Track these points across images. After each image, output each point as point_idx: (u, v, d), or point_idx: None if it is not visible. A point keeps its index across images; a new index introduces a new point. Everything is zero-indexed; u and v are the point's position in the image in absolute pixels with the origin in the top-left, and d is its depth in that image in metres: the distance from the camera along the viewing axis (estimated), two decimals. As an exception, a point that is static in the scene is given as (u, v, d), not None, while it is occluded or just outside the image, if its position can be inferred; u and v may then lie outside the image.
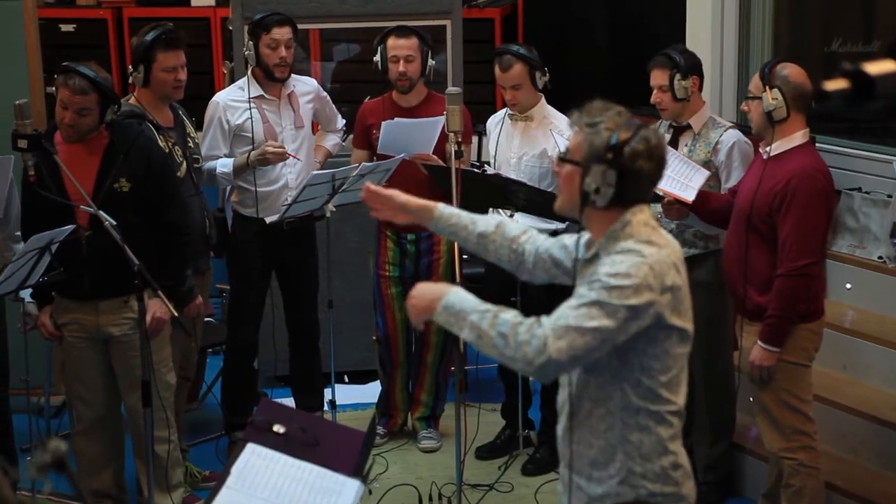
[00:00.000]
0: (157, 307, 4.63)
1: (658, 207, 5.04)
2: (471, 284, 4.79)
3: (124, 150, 4.69)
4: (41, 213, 4.65)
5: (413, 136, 5.50)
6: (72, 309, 4.80)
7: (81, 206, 4.49)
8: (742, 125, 5.63)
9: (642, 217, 3.01)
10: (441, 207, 3.37)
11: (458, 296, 2.97)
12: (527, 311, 2.98)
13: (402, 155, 5.43)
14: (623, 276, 2.89)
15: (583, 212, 3.02)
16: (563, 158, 3.05)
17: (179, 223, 4.85)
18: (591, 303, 2.87)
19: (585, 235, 3.08)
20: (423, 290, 3.03)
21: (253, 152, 5.46)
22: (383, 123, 5.52)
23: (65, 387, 5.14)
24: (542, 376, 2.91)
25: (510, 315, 2.91)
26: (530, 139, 5.50)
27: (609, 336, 2.88)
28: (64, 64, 4.70)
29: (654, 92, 5.07)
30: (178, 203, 4.88)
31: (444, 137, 5.33)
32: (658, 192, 4.86)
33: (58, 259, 4.55)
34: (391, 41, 5.60)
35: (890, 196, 5.74)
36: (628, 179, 2.95)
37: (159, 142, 5.04)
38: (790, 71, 4.48)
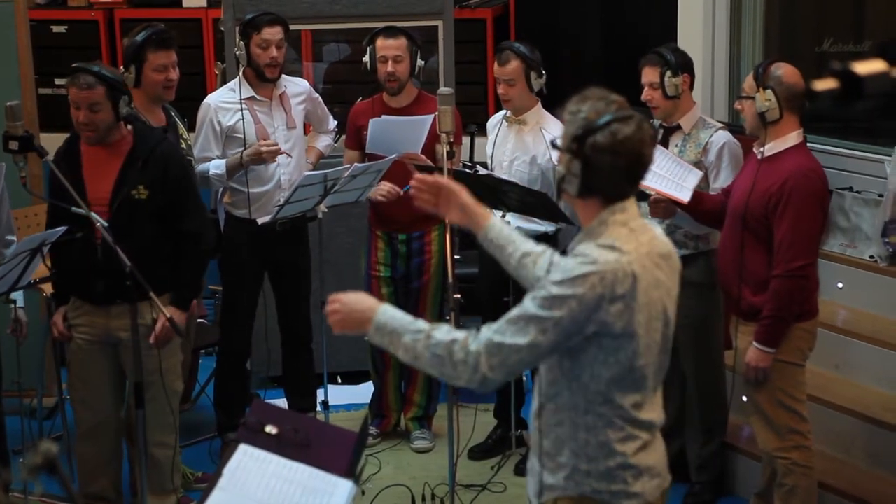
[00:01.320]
0: (171, 314, 4.61)
1: (644, 206, 5.05)
2: (463, 285, 4.81)
3: (144, 156, 4.69)
4: (64, 217, 4.65)
5: (401, 134, 5.50)
6: (85, 311, 4.80)
7: (73, 209, 4.48)
8: (733, 125, 5.63)
9: (622, 217, 2.98)
10: (495, 219, 3.31)
11: (389, 314, 2.98)
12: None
13: (393, 156, 5.43)
14: (567, 284, 2.87)
15: (558, 198, 3.07)
16: (554, 145, 3.08)
17: (196, 232, 4.84)
18: (528, 318, 2.88)
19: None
20: (352, 304, 3.02)
21: (246, 151, 5.45)
22: (371, 121, 5.52)
23: (68, 389, 5.13)
24: (483, 389, 2.97)
25: (442, 334, 2.92)
26: (522, 144, 5.51)
27: (544, 350, 2.90)
28: (74, 65, 4.72)
29: (645, 89, 5.08)
30: (197, 212, 4.87)
31: (433, 138, 5.34)
32: (652, 192, 4.87)
33: (72, 263, 4.58)
34: (380, 42, 5.60)
35: (881, 195, 5.75)
36: (592, 172, 2.94)
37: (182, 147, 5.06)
38: (784, 71, 4.48)
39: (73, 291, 4.80)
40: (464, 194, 3.28)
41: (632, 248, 2.95)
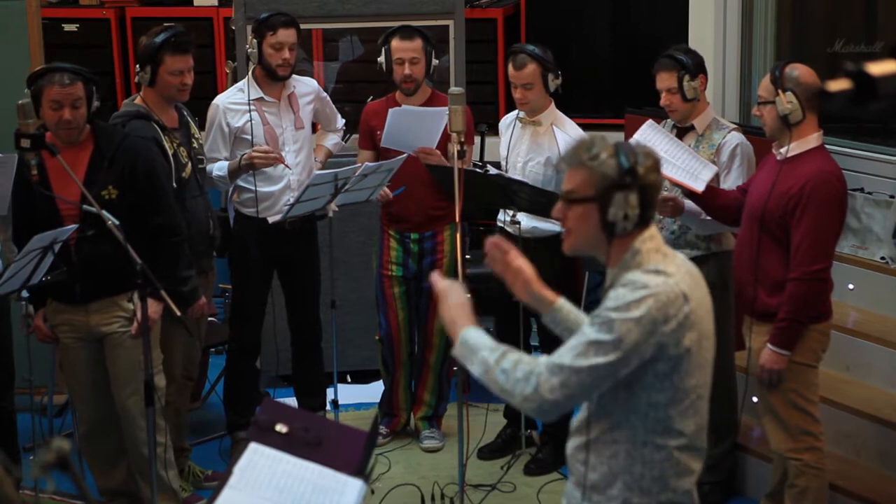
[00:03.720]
0: (148, 306, 4.61)
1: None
2: (474, 284, 4.80)
3: (109, 155, 4.68)
4: (31, 218, 4.65)
5: (419, 126, 5.49)
6: (63, 311, 4.81)
7: (85, 207, 4.49)
8: (746, 126, 5.63)
9: (652, 245, 2.98)
10: (562, 302, 3.24)
11: (476, 333, 3.00)
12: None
13: (404, 154, 5.43)
14: (623, 309, 2.87)
15: (611, 244, 2.98)
16: (572, 199, 3.00)
17: (169, 224, 4.83)
18: (588, 342, 2.88)
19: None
20: (455, 306, 3.07)
21: (243, 157, 5.44)
22: (390, 111, 5.50)
23: (67, 389, 5.15)
24: (540, 415, 2.95)
25: (517, 354, 2.93)
26: (537, 145, 5.50)
27: (606, 373, 2.88)
28: (36, 70, 4.71)
29: (664, 95, 5.06)
30: (166, 204, 4.85)
31: (445, 136, 5.34)
32: (667, 179, 4.88)
33: (59, 262, 4.56)
34: (395, 43, 5.60)
35: (892, 196, 5.74)
36: (649, 196, 2.95)
37: (164, 143, 5.05)
38: (801, 72, 4.47)
39: (49, 293, 4.80)
40: (529, 272, 3.19)
41: (674, 269, 2.95)
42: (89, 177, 4.64)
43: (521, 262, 3.20)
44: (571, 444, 3.13)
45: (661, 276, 2.92)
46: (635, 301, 2.88)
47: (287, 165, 5.54)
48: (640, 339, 2.87)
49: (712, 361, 3.07)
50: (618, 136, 5.44)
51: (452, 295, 3.09)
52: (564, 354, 2.89)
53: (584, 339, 2.89)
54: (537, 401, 2.88)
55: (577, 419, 3.13)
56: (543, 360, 2.90)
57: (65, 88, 4.58)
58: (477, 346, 2.98)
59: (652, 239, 3.00)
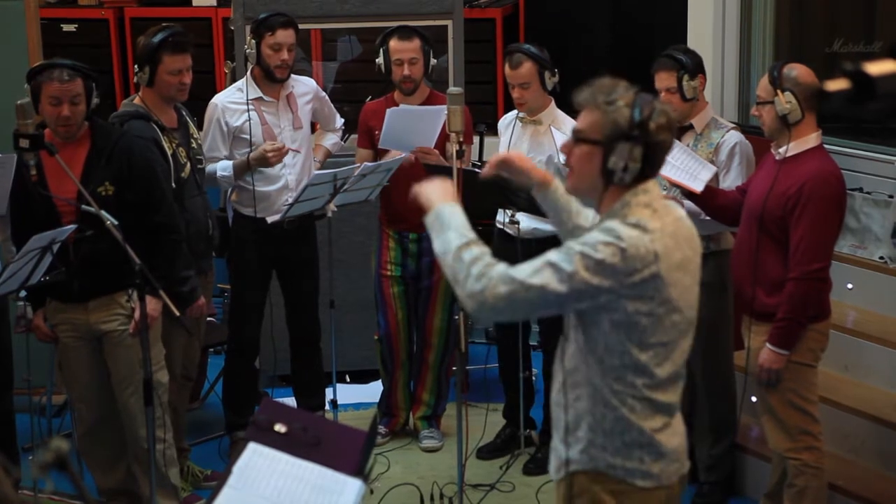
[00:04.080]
0: (147, 304, 4.61)
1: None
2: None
3: (107, 153, 4.68)
4: (29, 218, 4.64)
5: (417, 125, 5.49)
6: (62, 310, 4.81)
7: (83, 207, 4.49)
8: (744, 126, 5.63)
9: (644, 199, 3.01)
10: (558, 182, 3.35)
11: (453, 210, 2.99)
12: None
13: (403, 154, 5.43)
14: (590, 247, 2.90)
15: (606, 190, 3.02)
16: (580, 138, 3.04)
17: (168, 223, 4.84)
18: (547, 262, 2.89)
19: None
20: (434, 189, 3.05)
21: (252, 154, 5.45)
22: (388, 111, 5.51)
23: (65, 389, 5.14)
24: (475, 313, 2.93)
25: (480, 249, 2.93)
26: (538, 145, 5.49)
27: (553, 300, 2.89)
28: (35, 66, 4.71)
29: (662, 94, 5.05)
30: (165, 204, 4.85)
31: (444, 136, 5.34)
32: (665, 180, 4.89)
33: (57, 262, 4.56)
34: (394, 43, 5.60)
35: (891, 196, 5.74)
36: (654, 154, 2.98)
37: (163, 143, 5.05)
38: (799, 72, 4.47)
39: (48, 292, 4.80)
40: (526, 162, 3.35)
41: (656, 227, 2.97)
42: (86, 173, 4.65)
43: (501, 156, 3.33)
44: (553, 388, 3.20)
45: (638, 230, 2.94)
46: (603, 243, 2.90)
47: (298, 151, 5.55)
48: (594, 280, 2.88)
49: (688, 326, 3.10)
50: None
51: (436, 182, 3.09)
52: (522, 269, 2.90)
53: (544, 259, 2.91)
54: (479, 301, 2.88)
55: (557, 364, 3.18)
56: (501, 267, 2.90)
57: (64, 85, 4.58)
58: (448, 223, 2.96)
59: (646, 193, 3.02)
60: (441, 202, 3.00)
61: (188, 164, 5.18)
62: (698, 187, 4.78)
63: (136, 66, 5.19)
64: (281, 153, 5.44)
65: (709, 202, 4.84)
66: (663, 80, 5.05)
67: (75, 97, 4.60)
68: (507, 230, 5.40)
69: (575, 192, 3.16)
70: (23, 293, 4.90)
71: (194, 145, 5.30)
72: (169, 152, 5.07)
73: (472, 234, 2.96)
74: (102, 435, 4.97)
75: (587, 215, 3.33)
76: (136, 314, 4.57)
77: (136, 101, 5.21)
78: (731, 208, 4.80)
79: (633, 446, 3.07)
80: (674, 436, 3.14)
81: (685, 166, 4.84)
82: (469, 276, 2.89)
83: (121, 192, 4.68)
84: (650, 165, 2.99)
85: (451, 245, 2.93)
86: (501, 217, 5.50)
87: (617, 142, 2.96)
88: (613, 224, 2.95)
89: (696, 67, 5.05)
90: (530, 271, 2.89)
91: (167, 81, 5.14)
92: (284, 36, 5.50)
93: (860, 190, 5.87)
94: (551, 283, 2.87)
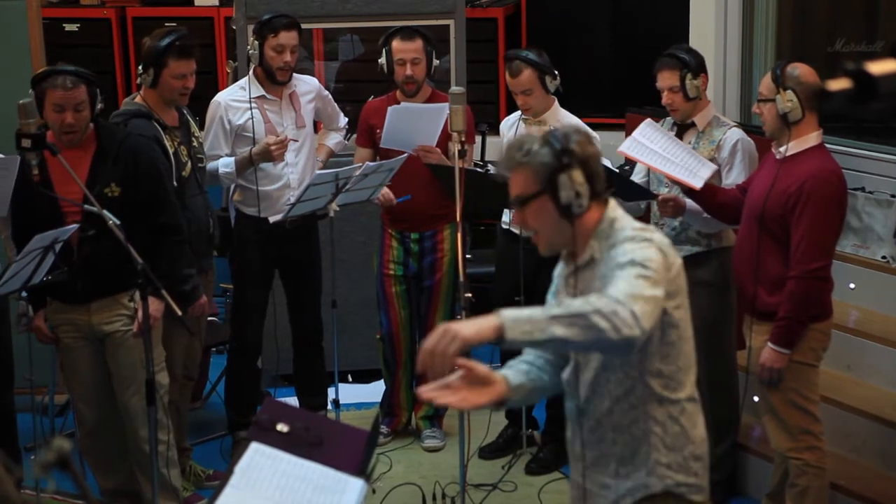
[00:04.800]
0: (150, 304, 4.62)
1: (652, 206, 5.06)
2: (474, 284, 4.81)
3: (112, 154, 4.69)
4: (32, 217, 4.65)
5: (418, 123, 5.49)
6: (64, 310, 4.80)
7: (86, 206, 4.49)
8: (746, 124, 5.63)
9: (621, 212, 3.05)
10: (504, 313, 2.87)
11: (509, 312, 2.76)
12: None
13: (405, 154, 5.43)
14: (642, 254, 2.87)
15: (573, 229, 2.99)
16: (523, 201, 3.02)
17: (172, 224, 4.84)
18: (637, 275, 2.81)
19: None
20: (463, 325, 2.75)
21: (255, 148, 5.46)
22: (389, 109, 5.50)
23: (67, 390, 5.14)
24: (632, 346, 2.78)
25: (581, 301, 2.77)
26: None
27: (661, 303, 2.85)
28: (40, 71, 4.70)
29: (665, 93, 5.06)
30: (169, 204, 4.86)
31: (445, 136, 5.34)
32: (664, 176, 4.89)
33: (60, 261, 4.56)
34: (396, 44, 5.60)
35: (894, 196, 5.74)
36: (592, 168, 3.00)
37: (165, 142, 5.05)
38: (801, 71, 4.48)
39: (49, 293, 4.80)
40: (473, 365, 2.96)
41: (654, 229, 3.03)
42: (92, 174, 4.65)
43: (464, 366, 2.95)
44: (576, 434, 3.09)
45: (649, 232, 2.98)
46: (647, 247, 2.90)
47: (296, 140, 5.56)
48: (662, 281, 2.87)
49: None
50: (619, 136, 5.45)
51: (451, 329, 2.76)
52: (623, 289, 2.75)
53: (628, 279, 2.79)
54: (640, 330, 2.73)
55: (570, 408, 3.11)
56: (612, 293, 2.76)
57: (68, 92, 4.58)
58: (533, 315, 2.73)
59: (617, 208, 3.05)
60: (494, 317, 2.74)
61: (189, 163, 5.19)
62: (698, 184, 4.78)
63: (139, 68, 5.20)
64: (284, 146, 5.44)
65: (708, 200, 4.84)
66: (666, 79, 5.05)
67: (79, 104, 4.60)
68: (513, 229, 5.40)
69: (551, 250, 3.10)
70: (24, 293, 4.90)
71: (195, 144, 5.30)
72: (170, 151, 5.08)
73: (556, 309, 2.75)
74: (104, 435, 4.97)
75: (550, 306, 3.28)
76: (140, 315, 4.57)
77: (138, 99, 5.21)
78: (731, 206, 4.80)
79: (690, 459, 3.05)
80: (705, 438, 3.13)
81: (685, 163, 4.84)
82: (608, 315, 2.70)
83: (127, 193, 4.68)
84: (595, 181, 3.00)
85: (568, 314, 2.71)
86: (506, 217, 5.50)
87: (555, 178, 2.97)
88: (628, 233, 2.95)
89: (698, 66, 5.05)
90: (636, 285, 2.77)
91: (171, 85, 5.14)
92: (287, 38, 5.50)
93: (862, 189, 5.87)
94: (657, 291, 2.81)
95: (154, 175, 4.80)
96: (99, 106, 4.67)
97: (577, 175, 2.96)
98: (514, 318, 2.73)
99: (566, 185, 2.96)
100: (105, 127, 4.76)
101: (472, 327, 2.75)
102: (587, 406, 3.08)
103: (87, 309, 4.77)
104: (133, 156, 4.73)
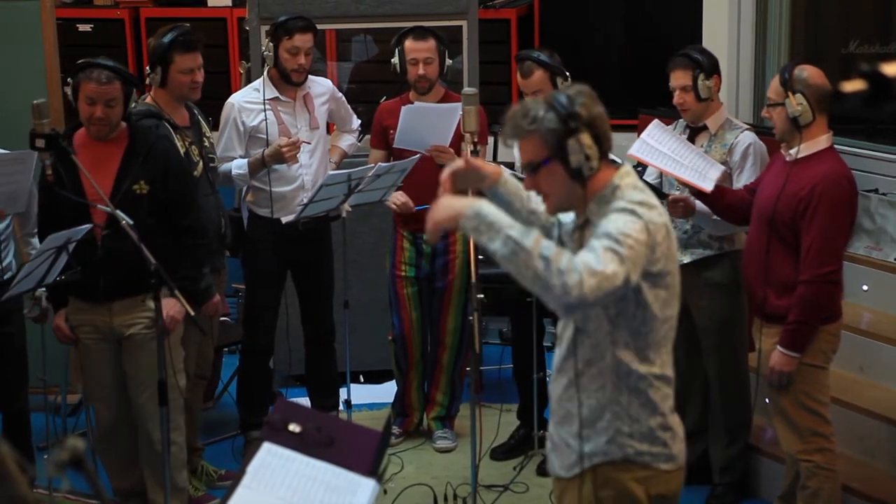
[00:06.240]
0: (172, 306, 4.63)
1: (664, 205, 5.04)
2: (486, 285, 4.81)
3: (144, 152, 4.71)
4: (58, 214, 4.66)
5: (432, 123, 5.49)
6: (85, 310, 4.81)
7: (99, 206, 4.50)
8: (759, 127, 5.61)
9: (630, 180, 3.08)
10: (507, 174, 3.35)
11: (492, 209, 2.95)
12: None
13: (417, 155, 5.44)
14: (623, 229, 2.93)
15: (584, 191, 3.05)
16: (534, 167, 3.08)
17: (196, 226, 4.87)
18: (607, 248, 2.89)
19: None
20: (449, 200, 2.99)
21: (267, 151, 5.46)
22: (403, 108, 5.51)
23: (82, 391, 5.14)
24: (569, 309, 2.96)
25: (549, 241, 2.91)
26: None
27: (623, 282, 2.91)
28: (80, 61, 4.72)
29: (677, 93, 5.05)
30: (195, 206, 4.90)
31: (458, 137, 5.34)
32: (673, 178, 4.88)
33: (73, 261, 4.57)
34: (409, 44, 5.60)
35: (907, 198, 5.72)
36: (599, 129, 3.03)
37: (176, 142, 5.06)
38: (809, 73, 4.46)
39: (72, 292, 4.81)
40: (469, 162, 3.31)
41: (655, 202, 3.05)
42: (122, 170, 4.68)
43: (448, 169, 3.27)
44: (557, 385, 3.20)
45: (645, 207, 3.00)
46: (631, 223, 2.95)
47: (307, 142, 5.56)
48: (638, 260, 2.94)
49: (680, 297, 3.15)
50: (630, 137, 5.44)
51: (444, 198, 3.03)
52: (590, 258, 2.87)
53: (601, 245, 2.89)
54: (579, 295, 2.83)
55: (558, 358, 3.21)
56: (577, 257, 2.87)
57: (101, 87, 4.60)
58: (498, 221, 2.90)
59: (629, 175, 3.09)
60: (470, 203, 2.95)
61: (200, 163, 5.20)
62: (708, 186, 4.77)
63: (147, 68, 5.21)
64: (296, 147, 5.45)
65: (717, 201, 4.84)
66: (678, 78, 5.04)
67: (111, 100, 4.61)
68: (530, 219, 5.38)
69: (558, 211, 3.18)
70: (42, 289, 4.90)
71: (206, 144, 5.32)
72: (181, 151, 5.09)
73: (526, 227, 2.94)
74: (120, 437, 4.97)
75: (539, 199, 3.31)
76: (164, 315, 4.59)
77: (148, 100, 5.22)
78: (739, 207, 4.80)
79: (657, 429, 3.11)
80: (676, 416, 3.20)
81: (694, 165, 4.84)
82: (561, 272, 2.83)
83: (155, 192, 4.70)
84: (603, 141, 3.05)
85: (524, 243, 2.86)
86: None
87: (564, 143, 3.01)
88: (622, 204, 3.00)
89: (711, 68, 5.04)
90: (601, 259, 2.87)
91: (180, 81, 5.15)
92: (302, 40, 5.50)
93: (875, 191, 5.85)
94: (620, 270, 2.88)
95: (183, 177, 4.84)
96: (133, 105, 4.68)
97: (586, 138, 3.01)
98: (478, 213, 2.90)
99: (575, 149, 3.01)
100: (138, 127, 4.79)
101: (446, 211, 2.97)
102: (563, 364, 3.17)
103: (109, 309, 4.77)
104: (164, 156, 4.76)
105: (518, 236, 2.87)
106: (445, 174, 3.26)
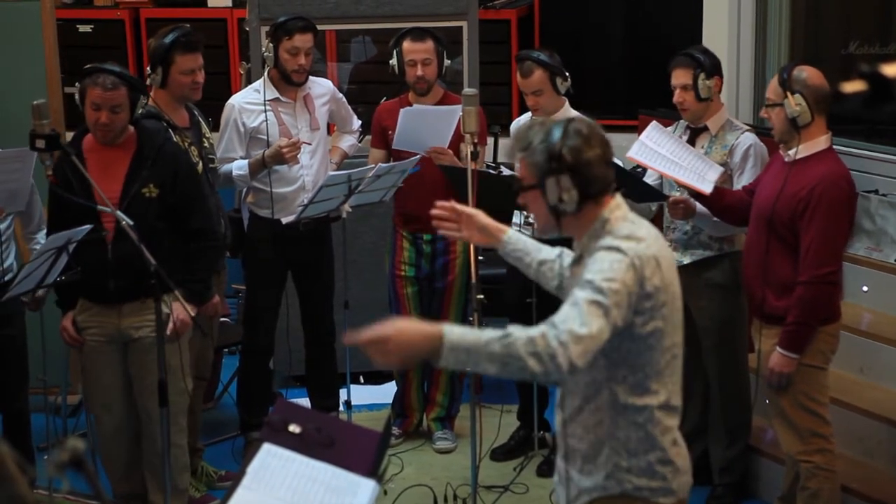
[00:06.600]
0: (181, 310, 4.63)
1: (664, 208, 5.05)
2: (486, 286, 4.81)
3: (152, 156, 4.71)
4: (68, 216, 4.65)
5: (431, 125, 5.49)
6: (94, 312, 4.80)
7: (99, 206, 4.50)
8: (759, 128, 5.62)
9: (620, 213, 3.08)
10: (511, 231, 3.44)
11: (456, 330, 2.87)
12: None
13: (417, 156, 5.44)
14: (608, 272, 2.93)
15: (560, 224, 3.09)
16: (520, 187, 3.13)
17: (206, 228, 4.87)
18: (590, 302, 2.89)
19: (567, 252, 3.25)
20: (408, 337, 2.86)
21: (267, 151, 5.46)
22: (401, 111, 5.52)
23: (84, 395, 5.13)
24: (560, 380, 3.01)
25: (519, 332, 2.87)
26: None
27: (609, 334, 2.92)
28: (87, 66, 4.72)
29: (677, 91, 5.05)
30: (204, 209, 4.90)
31: (458, 137, 5.34)
32: (672, 180, 4.88)
33: (82, 263, 4.57)
34: (407, 45, 5.61)
35: (907, 198, 5.72)
36: (584, 174, 3.02)
37: (175, 141, 5.06)
38: (808, 74, 4.46)
39: (82, 293, 4.80)
40: (481, 215, 3.41)
41: (644, 234, 3.05)
42: (131, 174, 4.68)
43: (463, 207, 3.40)
44: (558, 420, 3.21)
45: (633, 241, 3.00)
46: (616, 261, 2.95)
47: (309, 143, 5.55)
48: (624, 302, 2.94)
49: (681, 323, 3.14)
50: (630, 138, 5.44)
51: (398, 335, 2.88)
52: (571, 320, 2.86)
53: (584, 300, 2.89)
54: (573, 369, 2.85)
55: (558, 395, 3.21)
56: (552, 331, 2.85)
57: (106, 92, 4.59)
58: (471, 344, 2.84)
59: (619, 207, 3.09)
60: (438, 334, 2.83)
61: (200, 164, 5.19)
62: (707, 188, 4.78)
63: (148, 69, 5.21)
64: (297, 148, 5.45)
65: (716, 203, 4.84)
66: (679, 76, 5.05)
67: (116, 106, 4.60)
68: (523, 231, 5.39)
69: (544, 233, 3.20)
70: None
71: (206, 145, 5.32)
72: (191, 156, 5.09)
73: (497, 331, 2.86)
74: (121, 440, 4.96)
75: (545, 249, 3.41)
76: (174, 317, 4.61)
77: (148, 101, 5.21)
78: (738, 208, 4.80)
79: (656, 464, 3.09)
80: (682, 447, 3.18)
81: (692, 167, 4.84)
82: (550, 357, 2.82)
83: (164, 195, 4.70)
84: (588, 185, 3.03)
85: (505, 354, 2.83)
86: (517, 218, 5.49)
87: (545, 180, 3.03)
88: (608, 241, 3.01)
89: (713, 68, 5.04)
90: (583, 320, 2.86)
91: (180, 81, 5.16)
92: (302, 41, 5.50)
93: (875, 192, 5.85)
94: (605, 323, 2.89)
95: (192, 180, 4.84)
96: (140, 110, 4.68)
97: (565, 181, 3.02)
98: (454, 343, 2.82)
99: (552, 188, 3.03)
100: (146, 130, 4.78)
101: (410, 347, 2.84)
102: (563, 401, 3.18)
103: (118, 312, 4.76)
104: (173, 159, 4.76)
105: (501, 349, 2.83)
106: (454, 208, 3.44)
